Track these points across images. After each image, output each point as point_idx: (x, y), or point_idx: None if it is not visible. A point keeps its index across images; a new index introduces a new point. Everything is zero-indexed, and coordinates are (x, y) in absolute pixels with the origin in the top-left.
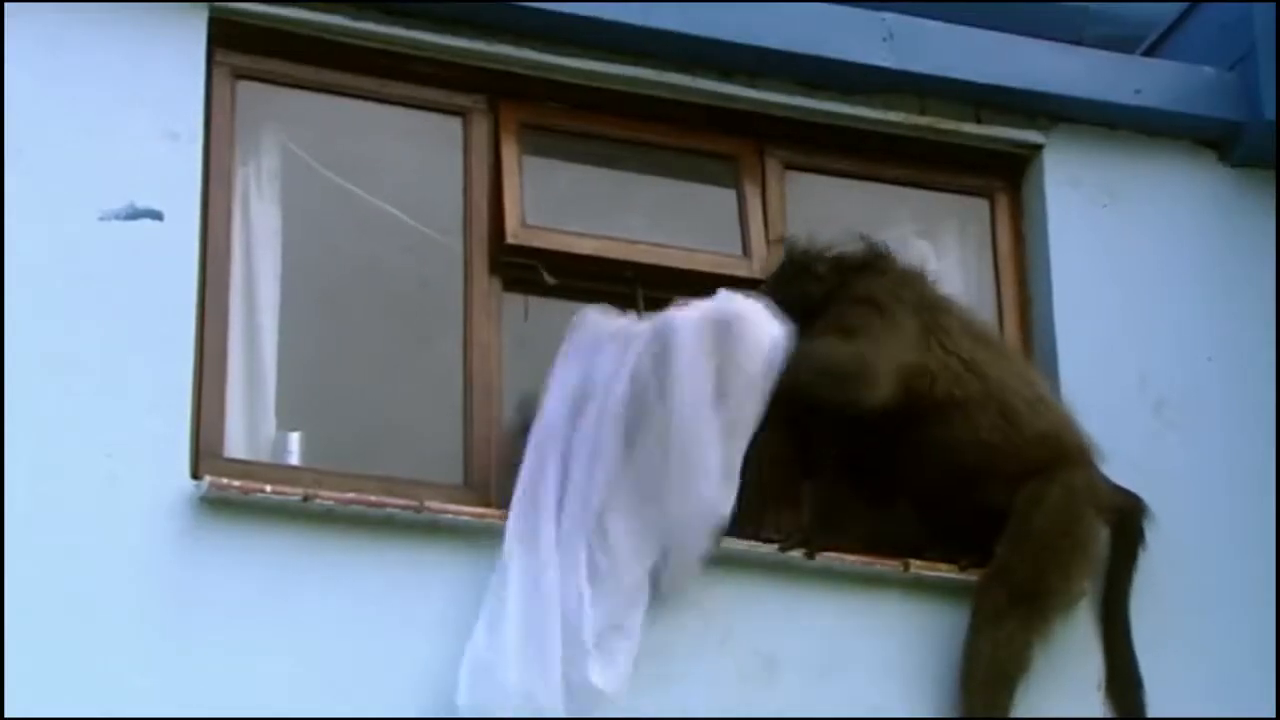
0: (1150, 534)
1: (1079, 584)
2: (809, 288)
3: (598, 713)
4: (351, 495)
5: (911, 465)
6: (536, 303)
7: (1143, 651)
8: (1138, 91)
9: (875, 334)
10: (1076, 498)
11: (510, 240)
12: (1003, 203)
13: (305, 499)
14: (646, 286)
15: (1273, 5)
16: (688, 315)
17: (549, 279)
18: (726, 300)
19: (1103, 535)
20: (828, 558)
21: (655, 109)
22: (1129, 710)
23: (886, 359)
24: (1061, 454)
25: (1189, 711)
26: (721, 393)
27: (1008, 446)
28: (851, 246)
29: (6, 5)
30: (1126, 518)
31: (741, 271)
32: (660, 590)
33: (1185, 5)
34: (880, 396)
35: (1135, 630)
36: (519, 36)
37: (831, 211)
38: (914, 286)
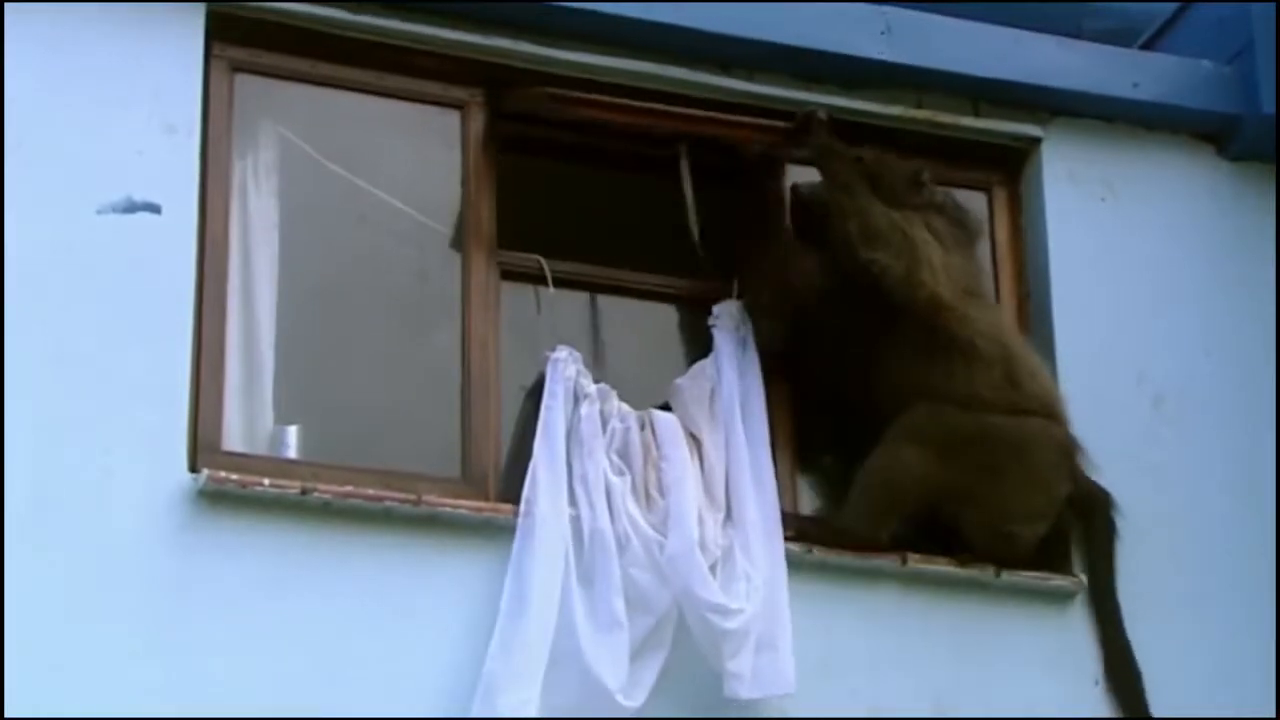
0: (1149, 530)
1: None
2: (905, 189)
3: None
4: (349, 489)
5: (905, 399)
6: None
7: (1142, 650)
8: (1136, 85)
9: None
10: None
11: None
12: (1001, 196)
13: (303, 492)
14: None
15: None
16: None
17: (549, 274)
18: None
19: (1064, 488)
20: (825, 550)
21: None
22: (1131, 704)
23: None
24: (1050, 413)
25: (1189, 711)
26: None
27: (1002, 400)
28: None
29: (6, 3)
30: (1098, 507)
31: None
32: None
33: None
34: (929, 287)
35: (1134, 628)
36: (517, 30)
37: None
38: (977, 273)
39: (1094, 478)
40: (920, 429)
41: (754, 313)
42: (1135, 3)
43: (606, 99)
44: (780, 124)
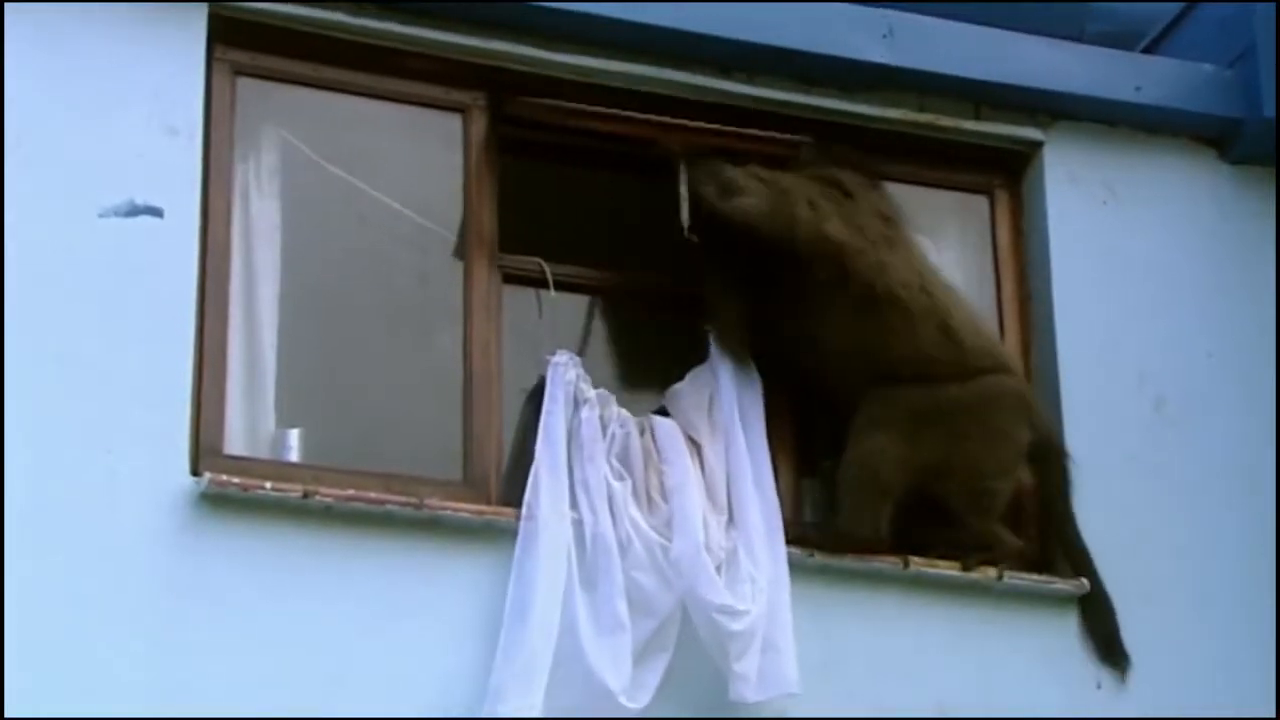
0: (1149, 530)
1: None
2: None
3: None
4: (351, 492)
5: (858, 372)
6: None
7: (1142, 650)
8: (1137, 89)
9: (786, 187)
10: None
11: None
12: (1002, 199)
13: (305, 496)
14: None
15: (1272, 3)
16: None
17: (550, 277)
18: None
19: (1025, 436)
20: (827, 554)
21: (654, 105)
22: (1106, 643)
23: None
24: (1000, 366)
25: (1189, 711)
26: None
27: (948, 358)
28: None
29: (7, 3)
30: (1053, 454)
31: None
32: None
33: (1185, 3)
34: (746, 205)
35: (1134, 628)
36: (518, 34)
37: None
38: (895, 220)
39: (1053, 431)
40: (881, 417)
41: (719, 339)
42: (1137, 4)
43: (607, 111)
44: (785, 135)
